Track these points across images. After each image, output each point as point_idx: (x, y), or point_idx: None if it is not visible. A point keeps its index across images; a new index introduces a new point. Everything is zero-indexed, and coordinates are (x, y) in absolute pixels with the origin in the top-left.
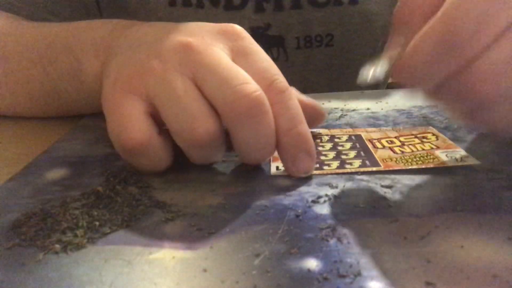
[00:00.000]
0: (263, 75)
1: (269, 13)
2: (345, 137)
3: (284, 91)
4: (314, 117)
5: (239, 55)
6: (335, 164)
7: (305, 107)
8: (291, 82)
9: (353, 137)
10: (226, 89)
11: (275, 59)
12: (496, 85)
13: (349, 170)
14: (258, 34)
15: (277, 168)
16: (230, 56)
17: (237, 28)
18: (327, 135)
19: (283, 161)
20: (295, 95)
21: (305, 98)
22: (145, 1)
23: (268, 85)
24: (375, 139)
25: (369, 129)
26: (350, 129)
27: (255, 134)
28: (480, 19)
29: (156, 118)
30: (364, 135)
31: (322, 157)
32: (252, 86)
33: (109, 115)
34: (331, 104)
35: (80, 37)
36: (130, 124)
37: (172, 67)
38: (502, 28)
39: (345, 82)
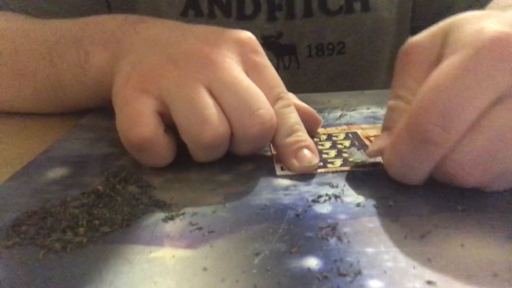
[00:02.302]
0: (273, 92)
1: (281, 21)
2: (342, 135)
3: (288, 107)
4: (311, 123)
5: (253, 70)
6: (338, 162)
7: (303, 113)
8: (303, 90)
9: (350, 134)
10: (244, 111)
11: (286, 68)
12: (475, 175)
13: (354, 169)
14: (270, 43)
15: (282, 168)
16: (243, 68)
17: (252, 39)
18: (324, 134)
19: (286, 159)
20: (295, 109)
21: (303, 104)
22: (157, 11)
23: (275, 100)
24: (372, 136)
25: (364, 126)
26: (346, 127)
27: (256, 148)
28: (446, 114)
29: (164, 117)
30: (360, 132)
31: (324, 155)
32: (268, 112)
33: (119, 109)
34: (331, 104)
35: (90, 30)
36: (139, 120)
37: (188, 73)
38: (471, 119)
39: (356, 90)
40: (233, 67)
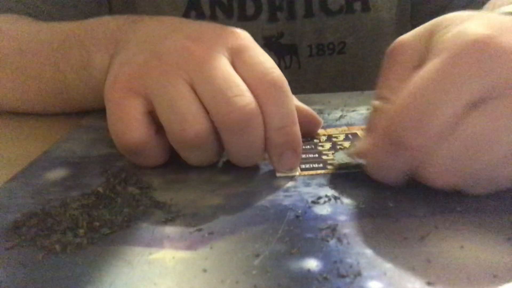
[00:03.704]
0: (259, 68)
1: (282, 22)
2: (342, 136)
3: (279, 84)
4: (311, 125)
5: (237, 54)
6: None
7: (303, 115)
8: (304, 89)
9: (350, 135)
10: (220, 99)
11: (287, 67)
12: (449, 179)
13: (353, 170)
14: (271, 43)
15: None
16: (229, 57)
17: (239, 30)
18: (324, 135)
19: (270, 156)
20: (290, 91)
21: (303, 106)
22: (159, 14)
23: (262, 78)
24: None
25: (364, 126)
26: (346, 128)
27: (244, 144)
28: (419, 119)
29: (154, 115)
30: (360, 133)
31: (324, 157)
32: (245, 99)
33: (109, 113)
34: (330, 105)
35: (92, 32)
36: (130, 125)
37: (170, 69)
38: (446, 124)
39: (357, 89)
40: (214, 58)
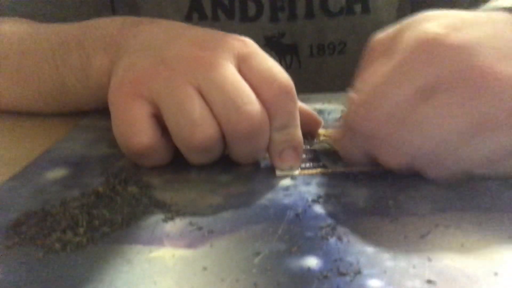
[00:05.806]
0: (267, 73)
1: (283, 22)
2: None
3: (287, 89)
4: (311, 125)
5: (243, 60)
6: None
7: (303, 115)
8: (304, 89)
9: None
10: (230, 108)
11: (288, 67)
12: (402, 161)
13: (354, 169)
14: (272, 43)
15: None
16: (235, 63)
17: (243, 37)
18: (323, 135)
19: (270, 154)
20: (296, 95)
21: (303, 105)
22: (162, 16)
23: (271, 84)
24: None
25: None
26: None
27: (250, 149)
28: (368, 106)
29: (160, 120)
30: None
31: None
32: (255, 108)
33: (115, 116)
34: (330, 105)
35: (91, 34)
36: (136, 128)
37: (178, 74)
38: (392, 111)
39: None
40: (222, 65)
